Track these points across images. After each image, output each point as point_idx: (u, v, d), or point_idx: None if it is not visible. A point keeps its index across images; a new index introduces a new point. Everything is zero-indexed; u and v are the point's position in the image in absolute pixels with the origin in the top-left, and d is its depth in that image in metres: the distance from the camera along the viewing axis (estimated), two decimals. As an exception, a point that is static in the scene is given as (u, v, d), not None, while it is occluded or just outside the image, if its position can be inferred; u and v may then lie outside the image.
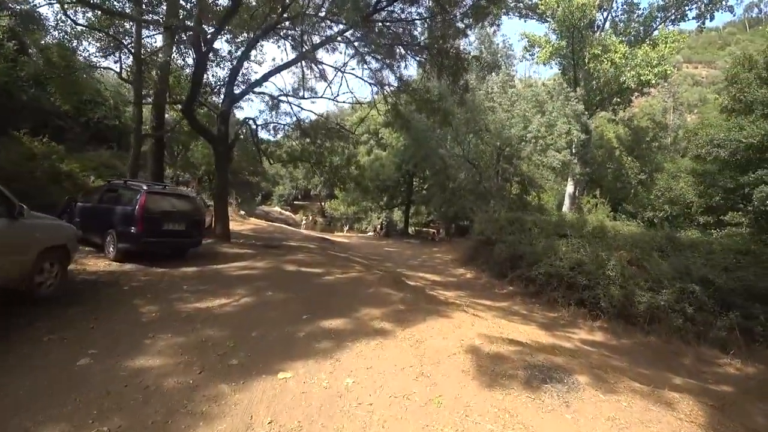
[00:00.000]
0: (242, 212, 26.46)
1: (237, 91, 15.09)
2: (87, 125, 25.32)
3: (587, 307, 10.81)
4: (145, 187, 9.72)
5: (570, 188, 28.85)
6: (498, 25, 15.27)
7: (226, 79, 14.40)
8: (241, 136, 16.24)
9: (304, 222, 35.65)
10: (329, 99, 16.44)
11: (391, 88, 15.26)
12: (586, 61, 25.11)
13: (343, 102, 20.39)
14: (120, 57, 15.36)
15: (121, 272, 8.64)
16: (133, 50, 14.03)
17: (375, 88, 15.63)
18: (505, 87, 25.10)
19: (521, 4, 27.85)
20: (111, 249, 9.52)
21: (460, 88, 14.48)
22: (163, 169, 18.77)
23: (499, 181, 27.23)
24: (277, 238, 18.44)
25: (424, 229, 39.25)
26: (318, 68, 16.42)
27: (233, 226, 21.67)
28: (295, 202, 57.42)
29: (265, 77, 14.67)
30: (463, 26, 15.43)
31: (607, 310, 10.36)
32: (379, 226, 32.66)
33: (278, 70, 14.58)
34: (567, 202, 28.91)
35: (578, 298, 11.03)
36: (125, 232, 9.23)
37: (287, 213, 49.15)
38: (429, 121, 22.32)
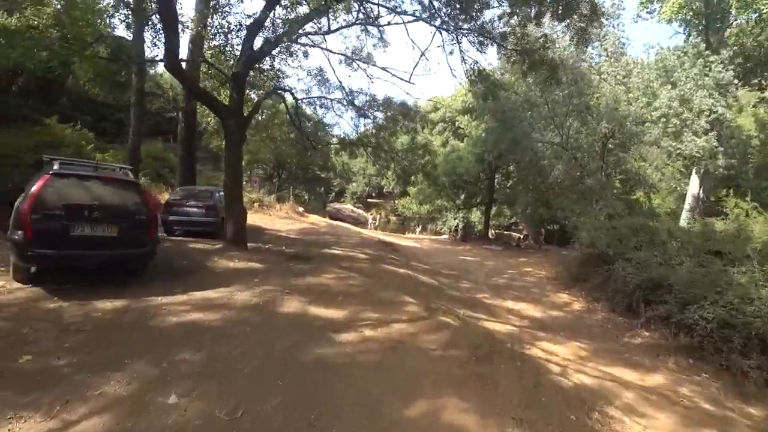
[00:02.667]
0: (300, 209, 22.60)
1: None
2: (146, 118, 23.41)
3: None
4: (55, 167, 5.63)
5: (694, 187, 21.40)
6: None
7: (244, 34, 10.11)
8: (267, 112, 11.93)
9: (371, 220, 31.24)
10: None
11: (470, 35, 10.11)
12: (732, 10, 17.56)
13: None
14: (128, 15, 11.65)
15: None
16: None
17: (449, 39, 10.53)
18: (617, 54, 18.59)
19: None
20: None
21: (584, 17, 8.89)
22: (194, 160, 15.19)
23: (603, 177, 20.72)
24: (324, 242, 14.06)
25: (506, 232, 33.15)
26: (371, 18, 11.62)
27: (283, 224, 17.77)
28: (368, 200, 53.48)
29: (297, 27, 10.16)
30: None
31: None
32: (455, 228, 27.28)
33: (311, 17, 10.06)
34: (688, 204, 21.47)
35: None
36: (11, 239, 5.20)
37: (359, 211, 45.27)
38: (520, 94, 16.72)
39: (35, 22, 9.63)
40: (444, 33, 10.24)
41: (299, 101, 12.30)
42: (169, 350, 3.91)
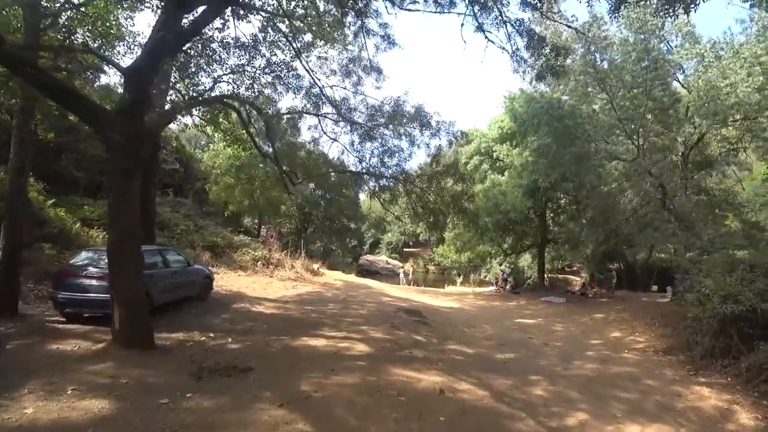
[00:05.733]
0: (315, 266, 18.34)
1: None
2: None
3: None
4: None
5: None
6: None
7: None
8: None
9: (403, 275, 26.27)
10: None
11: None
12: None
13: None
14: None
15: None
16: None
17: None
18: (692, 34, 13.62)
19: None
20: None
21: None
22: (152, 209, 11.34)
23: (688, 198, 14.94)
24: (314, 319, 9.46)
25: (559, 276, 27.03)
26: None
27: (279, 288, 13.35)
28: (404, 250, 48.75)
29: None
30: None
31: None
32: (501, 278, 21.84)
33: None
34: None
35: None
36: None
37: (394, 262, 40.49)
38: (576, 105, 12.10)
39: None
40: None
41: (263, 116, 8.26)
42: None
